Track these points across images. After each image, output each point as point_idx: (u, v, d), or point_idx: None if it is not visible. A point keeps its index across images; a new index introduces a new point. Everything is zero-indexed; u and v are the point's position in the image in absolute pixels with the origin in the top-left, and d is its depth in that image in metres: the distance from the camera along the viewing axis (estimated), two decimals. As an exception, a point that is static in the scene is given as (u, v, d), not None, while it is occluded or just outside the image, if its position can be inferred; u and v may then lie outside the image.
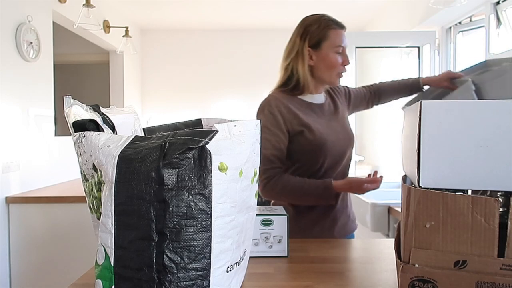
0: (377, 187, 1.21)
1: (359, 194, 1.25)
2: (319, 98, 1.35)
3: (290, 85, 1.30)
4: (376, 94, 1.53)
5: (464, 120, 0.64)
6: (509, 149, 0.62)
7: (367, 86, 1.55)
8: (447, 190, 0.64)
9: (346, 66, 1.30)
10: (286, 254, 0.99)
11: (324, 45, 1.27)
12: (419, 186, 0.65)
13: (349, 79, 2.95)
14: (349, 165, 1.39)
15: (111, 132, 0.73)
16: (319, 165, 1.27)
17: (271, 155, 1.22)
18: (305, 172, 1.27)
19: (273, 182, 1.22)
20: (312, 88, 1.31)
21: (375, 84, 1.55)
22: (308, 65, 1.28)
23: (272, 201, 1.36)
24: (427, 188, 0.64)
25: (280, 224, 0.99)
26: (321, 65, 1.28)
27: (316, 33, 1.27)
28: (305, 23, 1.30)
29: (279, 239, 0.99)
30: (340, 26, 1.30)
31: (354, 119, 2.98)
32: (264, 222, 0.98)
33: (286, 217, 0.99)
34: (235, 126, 0.66)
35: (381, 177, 1.22)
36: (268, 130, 1.23)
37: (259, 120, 0.73)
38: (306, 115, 1.27)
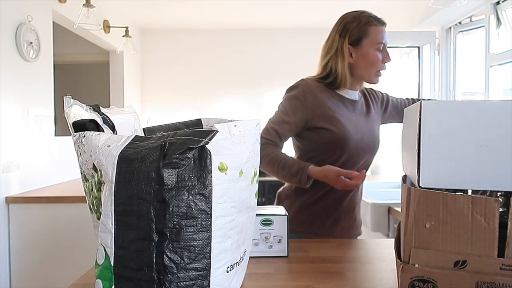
0: (357, 185, 1.14)
1: (337, 187, 1.16)
2: (353, 94, 1.33)
3: (327, 79, 1.29)
4: None
5: (464, 120, 0.64)
6: (509, 149, 0.62)
7: (412, 98, 1.50)
8: (447, 190, 0.64)
9: (386, 64, 1.29)
10: (286, 254, 0.99)
11: (364, 42, 1.25)
12: (419, 186, 0.65)
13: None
14: (366, 171, 1.35)
15: (111, 132, 0.73)
16: (334, 159, 1.25)
17: (272, 129, 1.25)
18: (318, 163, 1.24)
19: (260, 148, 1.23)
20: (349, 85, 1.31)
21: (419, 99, 1.51)
22: (348, 62, 1.27)
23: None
24: (427, 188, 0.64)
25: (280, 224, 0.99)
26: (361, 63, 1.27)
27: (356, 30, 1.26)
28: (345, 20, 1.30)
29: (279, 239, 0.99)
30: (380, 22, 1.28)
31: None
32: (264, 222, 0.98)
33: (286, 217, 0.99)
34: (235, 126, 0.66)
35: (364, 174, 1.16)
36: (285, 110, 1.26)
37: (259, 120, 0.73)
38: (336, 106, 1.27)
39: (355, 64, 1.27)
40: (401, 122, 1.42)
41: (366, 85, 1.38)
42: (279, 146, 1.27)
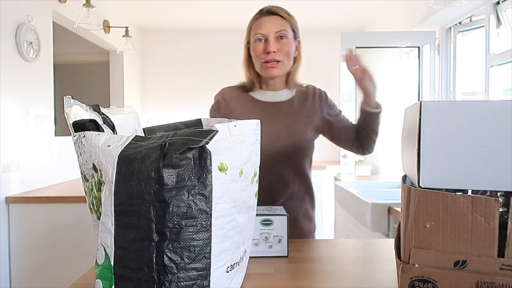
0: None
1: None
2: (274, 96, 1.29)
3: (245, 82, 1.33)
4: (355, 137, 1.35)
5: (464, 120, 0.64)
6: (509, 149, 0.62)
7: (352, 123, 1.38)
8: (447, 190, 0.64)
9: (273, 55, 1.20)
10: (286, 254, 0.99)
11: (250, 36, 1.27)
12: (419, 186, 0.65)
13: (349, 79, 2.96)
14: (284, 178, 1.26)
15: (111, 132, 0.73)
16: None
17: None
18: None
19: None
20: (263, 84, 1.30)
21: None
22: (249, 59, 1.29)
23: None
24: (427, 188, 0.64)
25: (280, 224, 0.99)
26: (252, 58, 1.27)
27: (248, 27, 1.29)
28: None
29: (279, 239, 0.99)
30: (266, 13, 1.24)
31: (354, 118, 2.97)
32: (264, 222, 0.98)
33: (286, 217, 0.99)
34: (235, 126, 0.66)
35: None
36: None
37: (258, 121, 0.73)
38: (246, 112, 1.27)
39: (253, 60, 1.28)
40: (330, 139, 1.36)
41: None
42: None
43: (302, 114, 1.29)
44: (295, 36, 1.28)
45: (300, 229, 1.30)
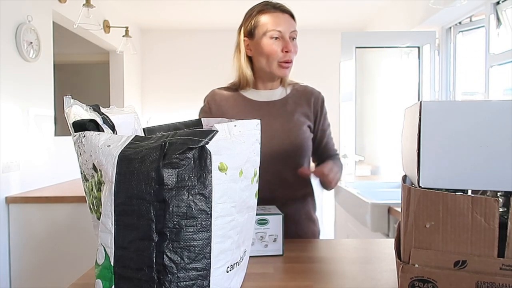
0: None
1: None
2: (266, 95, 1.25)
3: (236, 82, 1.26)
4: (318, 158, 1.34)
5: (464, 120, 0.64)
6: (509, 149, 0.62)
7: (329, 150, 1.34)
8: (447, 190, 0.64)
9: (290, 55, 1.16)
10: (281, 253, 1.00)
11: (256, 32, 1.18)
12: (419, 186, 0.65)
13: (349, 79, 2.96)
14: (284, 178, 1.22)
15: (111, 132, 0.73)
16: None
17: None
18: None
19: None
20: (259, 83, 1.24)
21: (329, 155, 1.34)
22: (246, 56, 1.21)
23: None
24: (427, 188, 0.64)
25: (276, 223, 0.99)
26: (257, 55, 1.19)
27: (249, 21, 1.19)
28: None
29: (275, 238, 0.99)
30: (278, 9, 1.17)
31: (354, 118, 2.98)
32: (259, 222, 0.98)
33: (281, 216, 0.99)
34: (235, 126, 0.66)
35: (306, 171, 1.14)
36: None
37: (259, 120, 0.73)
38: (238, 112, 1.21)
39: (254, 57, 1.21)
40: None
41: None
42: None
43: (297, 113, 1.25)
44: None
45: (303, 232, 1.26)
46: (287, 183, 1.23)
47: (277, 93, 1.27)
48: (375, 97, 3.56)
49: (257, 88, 1.26)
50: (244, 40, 1.21)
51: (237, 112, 1.22)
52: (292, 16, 1.20)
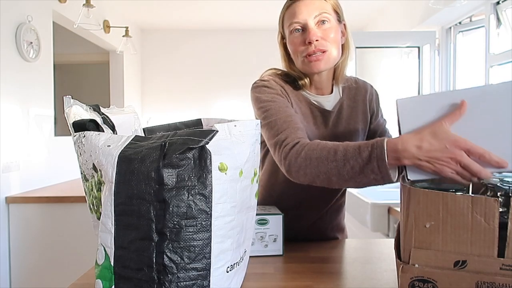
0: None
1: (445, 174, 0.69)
2: (324, 101, 1.07)
3: (289, 78, 1.08)
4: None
5: (439, 111, 0.70)
6: (479, 135, 0.67)
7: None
8: (432, 181, 0.70)
9: (316, 44, 0.97)
10: (281, 253, 1.00)
11: (284, 30, 1.05)
12: (407, 179, 0.71)
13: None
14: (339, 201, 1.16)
15: (111, 132, 0.73)
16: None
17: (288, 127, 0.92)
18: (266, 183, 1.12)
19: (298, 148, 0.86)
20: (310, 86, 1.07)
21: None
22: (287, 59, 1.08)
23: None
24: (415, 181, 0.69)
25: (276, 223, 0.99)
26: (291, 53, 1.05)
27: (279, 23, 1.07)
28: None
29: (275, 238, 0.99)
30: None
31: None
32: (259, 222, 0.98)
33: (281, 216, 0.99)
34: (235, 126, 0.66)
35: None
36: (267, 102, 0.98)
37: (259, 121, 0.73)
38: (303, 114, 1.04)
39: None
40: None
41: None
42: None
43: (352, 120, 1.09)
44: (340, 19, 1.04)
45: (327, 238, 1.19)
46: (332, 195, 1.15)
47: (331, 99, 1.09)
48: (375, 97, 3.55)
49: (311, 91, 1.07)
50: (282, 43, 1.08)
51: (301, 114, 1.04)
52: None
